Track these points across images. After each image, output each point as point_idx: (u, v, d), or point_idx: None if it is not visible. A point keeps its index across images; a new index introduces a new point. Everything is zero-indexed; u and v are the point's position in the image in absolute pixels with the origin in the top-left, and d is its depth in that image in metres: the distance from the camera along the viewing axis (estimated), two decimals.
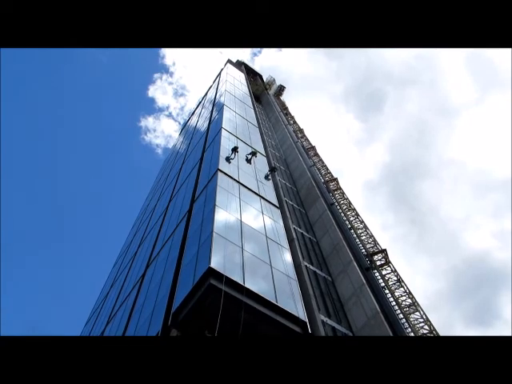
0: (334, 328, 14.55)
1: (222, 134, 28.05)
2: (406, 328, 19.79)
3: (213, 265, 12.94)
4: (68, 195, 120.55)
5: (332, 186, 33.28)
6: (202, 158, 28.78)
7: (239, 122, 34.75)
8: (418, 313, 22.57)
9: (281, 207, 22.71)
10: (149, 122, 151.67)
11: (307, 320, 13.72)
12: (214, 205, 17.35)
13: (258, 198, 21.77)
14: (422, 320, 22.91)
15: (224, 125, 30.29)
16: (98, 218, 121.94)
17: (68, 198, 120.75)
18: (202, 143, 33.37)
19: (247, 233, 16.89)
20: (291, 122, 53.83)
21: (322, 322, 14.31)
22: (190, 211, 21.42)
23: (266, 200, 22.07)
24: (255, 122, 38.89)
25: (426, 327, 21.76)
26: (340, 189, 33.00)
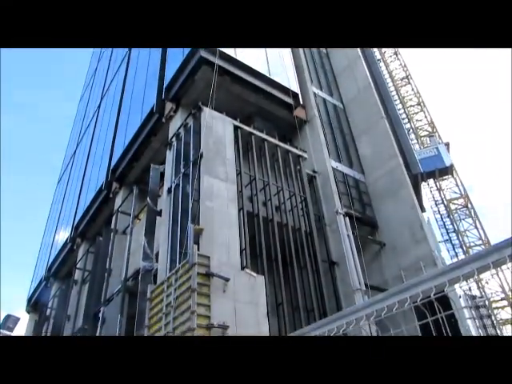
0: (324, 99, 14.88)
1: None
2: (396, 100, 20.39)
3: None
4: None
5: None
6: None
7: None
8: (409, 85, 22.87)
9: None
10: None
11: (299, 92, 13.91)
12: None
13: None
14: (412, 92, 23.39)
15: None
16: None
17: None
18: None
19: None
20: None
21: (314, 93, 14.51)
22: None
23: None
24: None
25: (415, 99, 22.41)
26: None
